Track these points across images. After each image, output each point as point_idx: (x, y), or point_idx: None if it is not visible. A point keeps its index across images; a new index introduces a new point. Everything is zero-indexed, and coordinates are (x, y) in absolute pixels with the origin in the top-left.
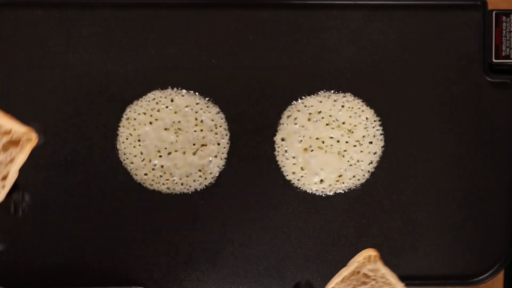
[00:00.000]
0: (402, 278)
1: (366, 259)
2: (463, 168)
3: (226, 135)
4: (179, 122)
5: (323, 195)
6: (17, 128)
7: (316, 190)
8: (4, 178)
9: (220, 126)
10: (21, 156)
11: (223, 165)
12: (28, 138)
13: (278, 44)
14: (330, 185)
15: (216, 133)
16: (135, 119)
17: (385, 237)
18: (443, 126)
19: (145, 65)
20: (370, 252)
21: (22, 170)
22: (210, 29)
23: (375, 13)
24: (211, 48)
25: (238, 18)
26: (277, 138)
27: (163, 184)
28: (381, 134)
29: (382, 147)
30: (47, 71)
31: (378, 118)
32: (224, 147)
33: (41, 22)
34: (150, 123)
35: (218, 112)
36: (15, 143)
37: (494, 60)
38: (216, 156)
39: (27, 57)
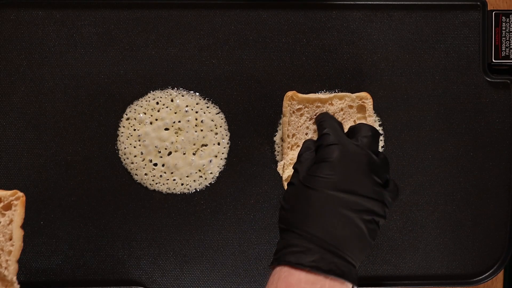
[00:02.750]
0: (402, 278)
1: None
2: (463, 168)
3: (226, 135)
4: (179, 122)
5: None
6: (3, 194)
7: None
8: (10, 238)
9: (220, 126)
10: (18, 215)
11: (223, 165)
12: (17, 197)
13: (278, 44)
14: None
15: (216, 133)
16: (135, 119)
17: (384, 237)
18: (443, 126)
19: (145, 65)
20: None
21: (22, 171)
22: (210, 29)
23: (375, 14)
24: (211, 48)
25: (238, 18)
26: (277, 138)
27: (163, 184)
28: (381, 134)
29: (382, 147)
30: (47, 71)
31: (378, 118)
32: (224, 147)
33: (42, 22)
34: (150, 123)
35: (218, 112)
36: (7, 206)
37: (493, 60)
38: (216, 156)
39: (27, 57)
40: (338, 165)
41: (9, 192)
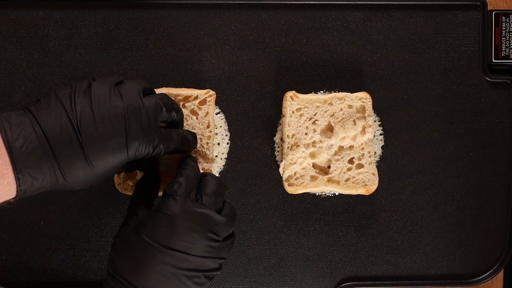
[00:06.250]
0: (402, 278)
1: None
2: (463, 168)
3: (226, 135)
4: None
5: (323, 195)
6: (200, 92)
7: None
8: (208, 126)
9: (220, 126)
10: (211, 108)
11: (223, 165)
12: (210, 95)
13: (278, 44)
14: None
15: (216, 133)
16: None
17: (384, 237)
18: (443, 126)
19: (145, 65)
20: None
21: None
22: (210, 29)
23: (375, 14)
24: (211, 48)
25: (238, 18)
26: (277, 138)
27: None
28: (380, 134)
29: (382, 147)
30: (47, 71)
31: (378, 118)
32: (224, 147)
33: (42, 22)
34: None
35: (218, 112)
36: (203, 102)
37: (493, 60)
38: (216, 156)
39: (27, 57)
40: (175, 222)
41: (203, 91)
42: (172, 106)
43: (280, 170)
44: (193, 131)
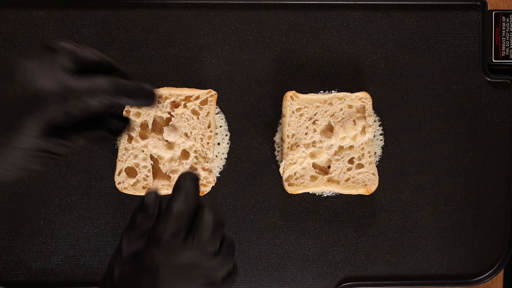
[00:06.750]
0: (402, 278)
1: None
2: (463, 168)
3: (226, 135)
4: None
5: (323, 195)
6: (201, 92)
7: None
8: (209, 126)
9: (220, 126)
10: (213, 108)
11: (223, 165)
12: (211, 95)
13: (278, 44)
14: None
15: (216, 133)
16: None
17: (384, 237)
18: (443, 126)
19: (145, 65)
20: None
21: None
22: (210, 29)
23: (375, 14)
24: (211, 48)
25: (238, 18)
26: (277, 138)
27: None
28: (381, 134)
29: (382, 147)
30: None
31: (378, 118)
32: (224, 147)
33: (42, 22)
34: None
35: (218, 112)
36: (204, 102)
37: (493, 60)
38: (216, 156)
39: None
40: (158, 274)
41: (204, 91)
42: (78, 48)
43: (280, 170)
44: (194, 131)
